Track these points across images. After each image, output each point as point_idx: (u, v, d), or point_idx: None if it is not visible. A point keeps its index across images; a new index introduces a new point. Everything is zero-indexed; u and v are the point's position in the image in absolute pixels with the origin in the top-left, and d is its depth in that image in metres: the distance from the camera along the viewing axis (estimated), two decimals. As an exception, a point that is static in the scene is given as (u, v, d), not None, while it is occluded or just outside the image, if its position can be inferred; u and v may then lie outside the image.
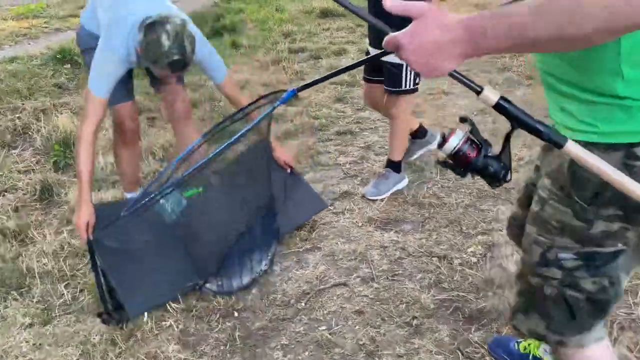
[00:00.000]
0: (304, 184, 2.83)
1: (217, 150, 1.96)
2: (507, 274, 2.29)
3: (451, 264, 2.40)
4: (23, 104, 4.60)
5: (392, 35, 0.92)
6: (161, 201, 2.48)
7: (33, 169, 3.63)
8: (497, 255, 2.43)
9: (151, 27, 2.20)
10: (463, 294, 2.23)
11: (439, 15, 0.87)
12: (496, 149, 1.11)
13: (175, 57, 2.20)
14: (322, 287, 2.34)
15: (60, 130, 3.89)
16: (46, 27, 7.46)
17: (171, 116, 2.93)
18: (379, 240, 2.61)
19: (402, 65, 2.70)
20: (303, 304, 2.25)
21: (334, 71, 1.67)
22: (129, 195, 3.00)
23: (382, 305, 2.20)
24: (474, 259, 2.42)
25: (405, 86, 2.80)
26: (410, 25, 0.90)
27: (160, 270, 2.33)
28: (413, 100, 2.95)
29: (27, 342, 2.18)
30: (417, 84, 2.83)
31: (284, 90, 2.35)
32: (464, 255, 2.45)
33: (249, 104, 2.47)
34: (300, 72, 5.19)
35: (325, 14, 7.49)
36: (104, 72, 2.35)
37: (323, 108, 4.28)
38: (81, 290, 2.44)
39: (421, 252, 2.50)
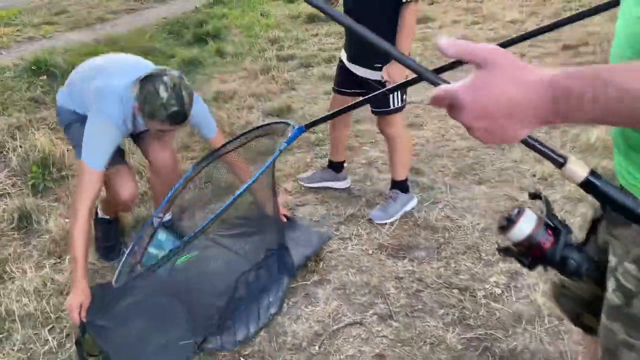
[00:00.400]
0: (303, 227, 2.68)
1: (221, 210, 1.81)
2: (535, 307, 2.12)
3: (474, 296, 2.22)
4: (-4, 120, 4.30)
5: (445, 89, 0.69)
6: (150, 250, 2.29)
7: (9, 193, 3.35)
8: (521, 286, 2.26)
9: (147, 80, 2.08)
10: (491, 331, 2.05)
11: (515, 65, 0.66)
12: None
13: (175, 109, 2.07)
14: (336, 326, 2.14)
15: (38, 149, 3.61)
16: (19, 36, 7.11)
17: (156, 174, 2.65)
18: (393, 270, 2.43)
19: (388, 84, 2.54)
20: (317, 348, 2.05)
21: (346, 106, 1.48)
22: (101, 215, 2.75)
23: (404, 347, 2.01)
24: (497, 290, 2.25)
25: (394, 105, 2.64)
26: (471, 77, 0.68)
27: (158, 337, 2.12)
28: (403, 115, 2.78)
29: (7, 400, 1.93)
30: (405, 100, 2.69)
31: (285, 123, 2.21)
32: (487, 286, 2.27)
33: (243, 133, 2.31)
34: (291, 82, 4.98)
35: (312, 19, 7.29)
36: (100, 141, 2.20)
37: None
38: (67, 335, 2.20)
39: (440, 283, 2.32)
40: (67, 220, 3.01)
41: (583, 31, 5.31)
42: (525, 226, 0.85)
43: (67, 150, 3.71)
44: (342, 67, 2.79)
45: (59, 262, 2.67)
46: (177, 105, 2.06)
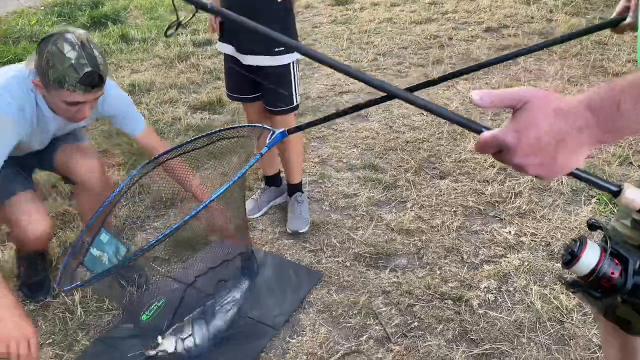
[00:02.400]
0: (286, 262, 2.38)
1: (175, 227, 1.52)
2: (533, 312, 2.04)
3: (470, 307, 2.09)
4: None
5: (492, 136, 0.71)
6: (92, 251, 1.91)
7: None
8: (513, 289, 2.17)
9: (47, 41, 1.70)
10: (497, 345, 1.93)
11: (548, 98, 0.68)
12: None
13: (87, 69, 1.69)
14: (330, 359, 1.90)
15: None
16: None
17: (84, 192, 2.18)
18: (378, 284, 2.22)
19: (290, 78, 2.33)
20: (315, 387, 1.80)
21: (335, 112, 1.26)
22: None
23: (412, 375, 1.83)
24: (491, 297, 2.13)
25: (296, 102, 2.42)
26: (511, 120, 0.70)
27: None
28: None
29: None
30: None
31: (262, 127, 1.88)
32: (480, 294, 2.15)
33: (205, 135, 1.95)
34: (215, 70, 4.55)
35: (221, -1, 6.77)
36: None
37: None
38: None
39: (430, 294, 2.16)
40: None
41: (501, 13, 5.42)
42: (590, 258, 0.82)
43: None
44: (230, 66, 2.42)
45: None
46: (90, 64, 1.69)
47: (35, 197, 2.03)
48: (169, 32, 1.42)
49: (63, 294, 2.20)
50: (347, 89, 4.10)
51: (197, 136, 1.93)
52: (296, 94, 2.36)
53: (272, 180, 2.73)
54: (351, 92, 4.05)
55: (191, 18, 1.33)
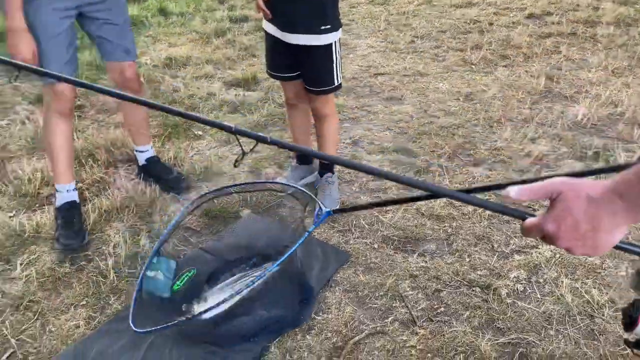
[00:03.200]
0: (315, 240, 2.38)
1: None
2: (563, 305, 2.01)
3: (498, 295, 2.07)
4: None
5: (533, 224, 0.79)
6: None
7: None
8: (543, 280, 2.14)
9: None
10: (524, 335, 1.91)
11: (580, 187, 0.75)
12: None
13: None
14: (355, 337, 1.91)
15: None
16: None
17: (122, 85, 2.46)
18: (405, 267, 2.22)
19: (332, 58, 2.30)
20: (339, 364, 1.82)
21: (383, 200, 1.31)
22: (59, 188, 2.44)
23: (436, 358, 1.83)
24: (520, 287, 2.11)
25: (337, 82, 2.38)
26: (549, 209, 0.78)
27: None
28: None
29: None
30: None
31: (310, 196, 2.00)
32: (509, 283, 2.12)
33: (260, 182, 2.11)
34: (250, 47, 4.55)
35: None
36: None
37: (289, 93, 3.73)
38: (34, 364, 1.82)
39: (458, 281, 2.15)
40: (10, 215, 2.54)
41: (545, 1, 5.25)
42: None
43: (1, 127, 3.16)
44: (272, 44, 2.40)
45: (9, 269, 2.23)
46: None
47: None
48: (237, 164, 1.45)
49: (97, 259, 2.27)
50: (382, 70, 4.06)
51: (245, 182, 2.06)
52: (338, 74, 2.34)
53: (304, 158, 2.74)
54: (386, 74, 4.01)
55: (253, 147, 1.35)
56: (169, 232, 2.09)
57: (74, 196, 2.47)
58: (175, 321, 1.72)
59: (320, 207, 1.78)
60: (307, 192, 2.05)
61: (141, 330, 1.73)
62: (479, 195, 0.92)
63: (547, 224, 0.77)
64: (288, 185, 2.12)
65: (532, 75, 3.88)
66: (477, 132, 3.19)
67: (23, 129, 3.24)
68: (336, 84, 2.37)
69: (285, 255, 1.67)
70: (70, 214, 2.40)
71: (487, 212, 2.52)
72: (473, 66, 4.10)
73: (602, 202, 0.73)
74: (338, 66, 2.35)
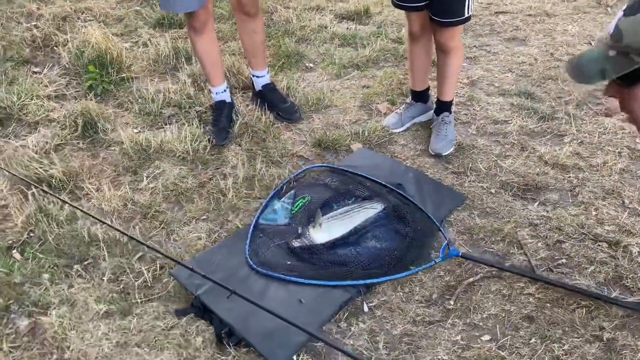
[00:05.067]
0: (429, 179, 2.32)
1: None
2: None
3: (629, 253, 1.93)
4: (39, 9, 3.85)
5: None
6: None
7: (64, 95, 3.01)
8: (681, 243, 1.96)
9: None
10: (655, 297, 1.78)
11: None
12: None
13: None
14: (469, 279, 1.87)
15: (93, 46, 3.20)
16: None
17: (239, 9, 2.53)
18: (525, 215, 2.12)
19: None
20: (452, 303, 1.79)
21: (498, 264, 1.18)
22: (215, 90, 2.68)
23: (556, 309, 1.75)
24: (653, 247, 1.95)
25: (468, 12, 2.20)
26: None
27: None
28: None
29: (107, 339, 1.73)
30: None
31: (439, 229, 2.00)
32: (641, 242, 1.97)
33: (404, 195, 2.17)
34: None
35: None
36: None
37: (403, 28, 3.58)
38: (162, 268, 1.96)
39: (583, 234, 2.02)
40: (136, 130, 2.69)
41: None
42: None
43: (125, 49, 3.31)
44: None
45: (137, 180, 2.38)
46: None
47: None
48: None
49: (219, 178, 2.36)
50: (505, 9, 3.77)
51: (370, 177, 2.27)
52: (469, 4, 2.18)
53: (420, 96, 2.64)
54: (509, 12, 3.72)
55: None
56: (276, 191, 2.25)
57: (224, 97, 2.69)
58: (289, 263, 1.88)
59: (447, 243, 1.90)
60: (433, 219, 2.06)
61: (258, 269, 1.82)
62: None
63: None
64: (414, 203, 2.14)
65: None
66: (610, 80, 2.90)
67: (145, 51, 3.37)
68: (466, 14, 2.22)
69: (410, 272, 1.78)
70: (218, 112, 2.66)
71: (619, 165, 2.33)
72: (608, 8, 3.70)
73: None
74: None
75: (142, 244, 1.90)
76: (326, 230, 1.99)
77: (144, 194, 2.31)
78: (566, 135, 2.52)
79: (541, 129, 2.57)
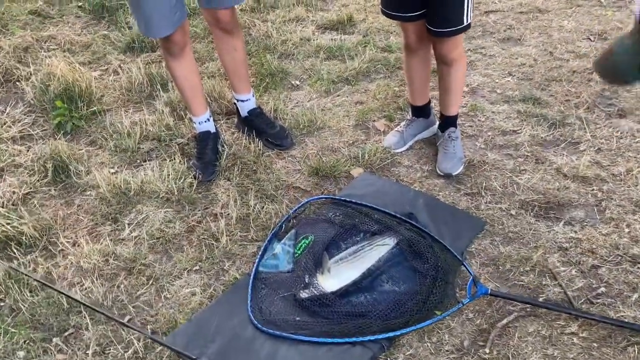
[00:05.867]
0: (442, 204, 2.12)
1: None
2: None
3: (673, 276, 1.74)
4: (-3, 40, 3.57)
5: None
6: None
7: (31, 135, 2.74)
8: None
9: None
10: None
11: None
12: None
13: None
14: (503, 320, 1.66)
15: (58, 78, 2.94)
16: None
17: (216, 26, 2.30)
18: (552, 238, 1.92)
19: None
20: (487, 351, 1.58)
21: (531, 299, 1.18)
22: (197, 120, 2.43)
23: (604, 350, 1.55)
24: (698, 266, 1.77)
25: (467, 21, 2.00)
26: None
27: None
28: None
29: None
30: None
31: (464, 265, 1.80)
32: (684, 261, 1.79)
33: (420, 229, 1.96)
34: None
35: None
36: None
37: (390, 35, 3.38)
38: (154, 333, 1.72)
39: (619, 255, 1.83)
40: (112, 171, 2.44)
41: None
42: None
43: (94, 79, 3.06)
44: None
45: (118, 229, 2.14)
46: None
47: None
48: None
49: (209, 220, 2.13)
50: (494, 7, 3.60)
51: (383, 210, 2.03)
52: (468, 11, 1.99)
53: (421, 111, 2.43)
54: (499, 11, 3.55)
55: None
56: (275, 231, 2.02)
57: (207, 127, 2.44)
58: (298, 319, 1.67)
59: (472, 280, 1.72)
60: (454, 252, 1.84)
61: (264, 328, 1.61)
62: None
63: None
64: (430, 235, 1.93)
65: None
66: (617, 78, 2.73)
67: (117, 79, 3.12)
68: (466, 22, 2.02)
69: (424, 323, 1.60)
70: (202, 145, 2.41)
71: (644, 173, 2.15)
72: (602, 0, 3.54)
73: None
74: (469, 3, 1.99)
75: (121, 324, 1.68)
76: (336, 276, 1.77)
77: (127, 245, 2.06)
78: (581, 142, 2.34)
79: (554, 137, 2.39)
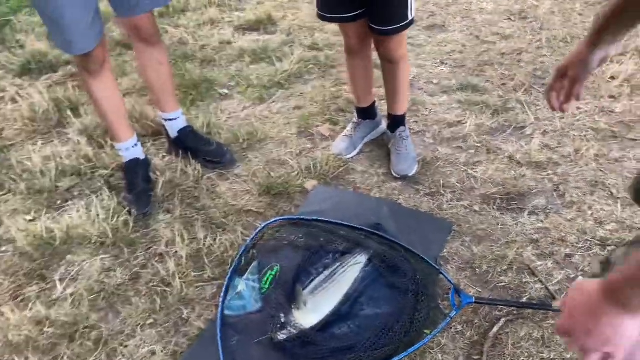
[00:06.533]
0: (406, 210, 2.01)
1: None
2: None
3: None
4: None
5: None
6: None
7: None
8: (684, 229, 1.83)
9: None
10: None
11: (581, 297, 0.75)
12: None
13: None
14: (493, 329, 1.59)
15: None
16: None
17: (137, 36, 2.05)
18: (521, 231, 1.88)
19: None
20: (484, 364, 1.51)
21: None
22: (123, 147, 2.17)
23: (596, 343, 1.53)
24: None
25: (412, 14, 1.93)
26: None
27: None
28: None
29: None
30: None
31: (446, 278, 1.68)
32: (648, 237, 1.81)
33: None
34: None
35: None
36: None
37: (315, 32, 3.23)
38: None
39: (588, 240, 1.83)
40: (29, 218, 2.11)
41: None
42: None
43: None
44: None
45: (48, 289, 1.84)
46: None
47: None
48: None
49: (155, 263, 1.88)
50: None
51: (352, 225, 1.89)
52: (412, 5, 1.89)
53: (368, 112, 2.31)
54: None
55: None
56: (235, 266, 1.81)
57: (135, 153, 2.20)
58: None
59: (454, 289, 1.64)
60: (430, 261, 1.75)
61: None
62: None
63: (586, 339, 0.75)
64: (405, 247, 1.81)
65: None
66: (544, 56, 2.78)
67: (16, 108, 2.73)
68: (410, 17, 1.92)
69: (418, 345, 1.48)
70: (132, 175, 2.16)
71: (591, 151, 2.17)
72: None
73: (603, 310, 0.72)
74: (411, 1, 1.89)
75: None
76: (314, 310, 1.61)
77: (62, 306, 1.78)
78: (526, 126, 2.34)
79: (499, 124, 2.37)
